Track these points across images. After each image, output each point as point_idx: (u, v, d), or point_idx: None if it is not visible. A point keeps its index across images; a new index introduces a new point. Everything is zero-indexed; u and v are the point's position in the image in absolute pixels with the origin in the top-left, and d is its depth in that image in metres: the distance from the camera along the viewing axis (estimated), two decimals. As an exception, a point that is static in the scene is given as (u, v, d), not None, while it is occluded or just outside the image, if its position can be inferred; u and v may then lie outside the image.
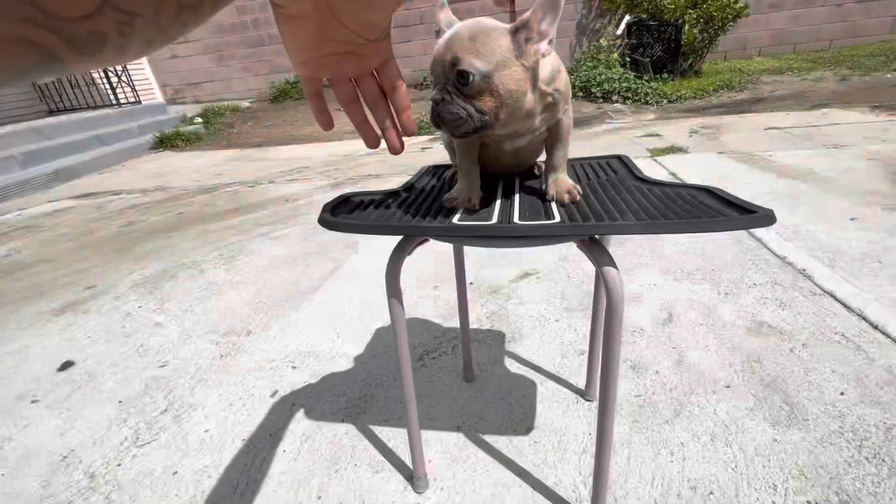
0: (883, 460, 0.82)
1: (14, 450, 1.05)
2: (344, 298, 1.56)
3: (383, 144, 0.50)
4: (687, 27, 4.98)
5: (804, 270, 1.42)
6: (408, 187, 0.75)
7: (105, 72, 5.51)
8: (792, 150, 2.66)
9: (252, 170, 3.74)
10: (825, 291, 1.31)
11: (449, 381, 1.13)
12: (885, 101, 3.60)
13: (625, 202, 0.59)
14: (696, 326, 1.23)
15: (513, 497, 0.83)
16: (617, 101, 4.84)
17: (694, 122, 3.72)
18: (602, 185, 0.69)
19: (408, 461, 0.91)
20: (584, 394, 1.05)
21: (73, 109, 5.32)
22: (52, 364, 1.35)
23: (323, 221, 0.60)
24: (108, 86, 5.58)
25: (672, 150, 2.94)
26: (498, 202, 0.65)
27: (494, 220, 0.58)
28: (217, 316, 1.53)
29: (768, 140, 2.94)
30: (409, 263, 1.74)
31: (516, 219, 0.58)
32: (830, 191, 2.00)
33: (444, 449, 0.94)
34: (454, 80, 0.52)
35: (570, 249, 1.70)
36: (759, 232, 1.70)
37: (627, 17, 5.45)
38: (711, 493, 0.79)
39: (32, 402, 1.20)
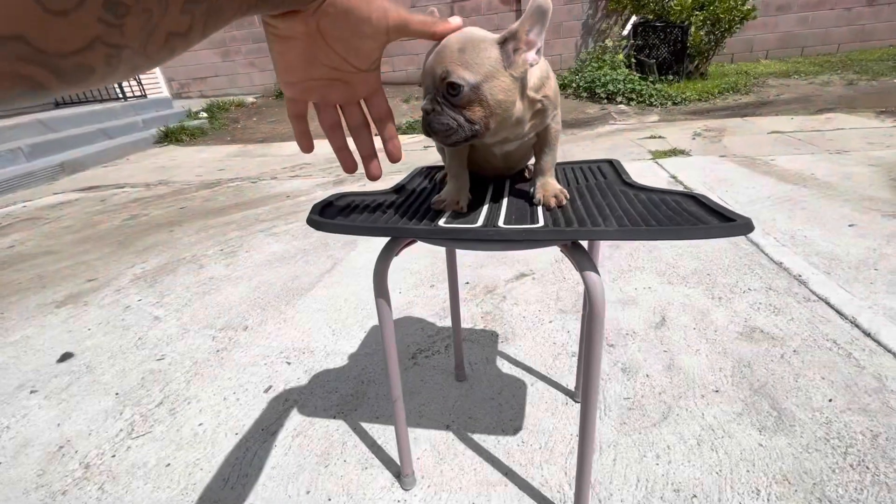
0: (867, 467, 0.82)
1: (12, 439, 1.07)
2: (340, 296, 1.58)
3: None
4: (693, 29, 4.96)
5: (800, 276, 1.43)
6: (399, 188, 0.76)
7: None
8: (794, 155, 2.65)
9: (255, 165, 3.76)
10: (819, 298, 1.31)
11: (440, 380, 1.14)
12: (891, 107, 3.58)
13: (609, 207, 0.60)
14: (689, 330, 1.24)
15: (498, 496, 0.84)
16: (621, 103, 4.83)
17: (697, 124, 3.71)
18: (590, 189, 0.69)
19: (397, 458, 0.93)
20: (573, 395, 1.05)
21: (80, 102, 5.36)
22: (51, 355, 1.38)
23: (311, 221, 0.61)
24: (114, 79, 5.60)
25: (674, 152, 2.94)
26: (486, 205, 0.66)
27: (480, 222, 0.59)
28: (215, 311, 1.55)
29: (771, 144, 2.93)
30: (407, 262, 1.75)
31: (501, 222, 0.58)
32: (830, 196, 2.00)
33: (432, 447, 0.95)
34: (444, 90, 0.53)
35: (567, 251, 1.71)
36: (756, 237, 1.70)
37: (633, 18, 5.43)
38: (695, 496, 0.80)
39: (31, 392, 1.22)
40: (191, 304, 1.61)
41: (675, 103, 4.55)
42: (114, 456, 1.00)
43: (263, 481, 0.90)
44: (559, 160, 0.83)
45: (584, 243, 0.64)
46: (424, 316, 1.42)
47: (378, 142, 0.51)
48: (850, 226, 1.71)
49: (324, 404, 1.09)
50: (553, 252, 1.72)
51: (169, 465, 0.96)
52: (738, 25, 4.98)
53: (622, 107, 4.73)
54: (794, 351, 1.12)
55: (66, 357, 1.36)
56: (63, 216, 2.78)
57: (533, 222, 0.58)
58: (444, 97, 0.53)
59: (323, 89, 0.44)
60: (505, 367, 1.17)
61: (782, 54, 5.94)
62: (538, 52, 0.53)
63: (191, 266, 1.91)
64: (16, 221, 2.76)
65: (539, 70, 0.58)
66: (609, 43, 5.62)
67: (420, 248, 0.68)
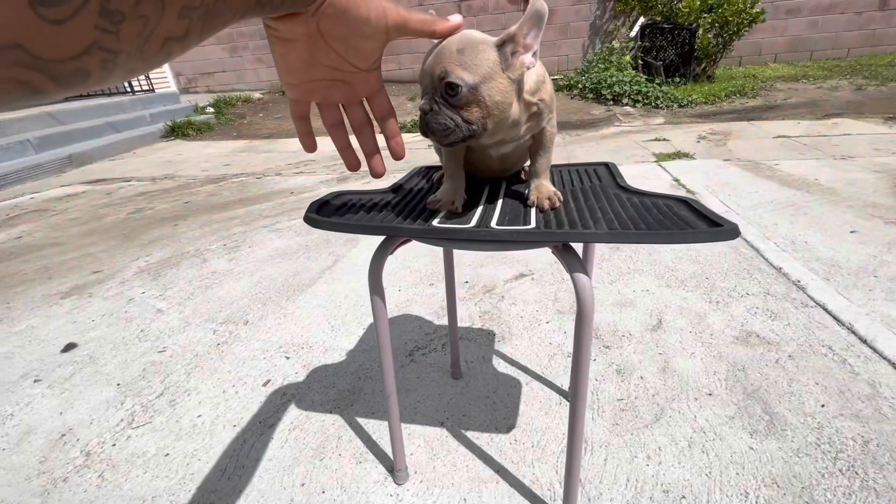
0: (856, 473, 0.83)
1: (15, 427, 1.09)
2: (341, 292, 1.59)
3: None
4: (701, 31, 4.94)
5: (798, 282, 1.43)
6: (396, 188, 0.77)
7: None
8: (799, 160, 2.64)
9: (260, 161, 3.79)
10: (817, 303, 1.32)
11: (436, 378, 1.15)
12: (899, 113, 3.55)
13: (601, 210, 0.61)
14: (685, 333, 1.24)
15: (489, 492, 0.85)
16: (627, 104, 4.81)
17: (703, 127, 3.70)
18: (584, 192, 0.70)
19: (391, 453, 0.94)
20: (567, 395, 1.06)
21: (88, 95, 5.40)
22: (55, 345, 1.40)
23: (308, 219, 0.63)
24: (123, 73, 5.64)
25: (678, 155, 2.93)
26: (480, 206, 0.67)
27: (473, 223, 0.60)
28: (217, 305, 1.57)
29: (776, 148, 2.92)
30: (407, 260, 1.77)
31: (494, 223, 0.60)
32: (833, 202, 1.99)
33: (426, 443, 0.96)
34: (442, 91, 0.54)
35: (567, 252, 1.71)
36: (756, 242, 1.70)
37: (641, 20, 5.40)
38: (683, 497, 0.81)
39: (35, 381, 1.24)
40: (193, 297, 1.63)
41: (681, 106, 4.53)
42: (114, 445, 1.02)
43: (260, 473, 0.92)
44: (558, 162, 0.84)
45: (577, 246, 0.64)
46: (423, 314, 1.43)
47: (381, 140, 0.52)
48: (851, 232, 1.71)
49: (321, 399, 1.11)
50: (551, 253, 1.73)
51: (168, 454, 0.98)
52: (747, 28, 4.95)
53: (628, 108, 4.72)
54: (789, 356, 1.13)
55: (69, 347, 1.39)
56: (70, 208, 2.81)
57: (525, 224, 0.59)
58: (443, 97, 0.54)
59: (325, 90, 0.44)
60: (500, 366, 1.18)
61: (791, 58, 5.90)
62: (534, 55, 0.54)
63: (194, 260, 1.94)
64: (24, 213, 2.79)
65: (535, 74, 0.59)
66: (616, 44, 5.60)
67: (420, 247, 0.69)
